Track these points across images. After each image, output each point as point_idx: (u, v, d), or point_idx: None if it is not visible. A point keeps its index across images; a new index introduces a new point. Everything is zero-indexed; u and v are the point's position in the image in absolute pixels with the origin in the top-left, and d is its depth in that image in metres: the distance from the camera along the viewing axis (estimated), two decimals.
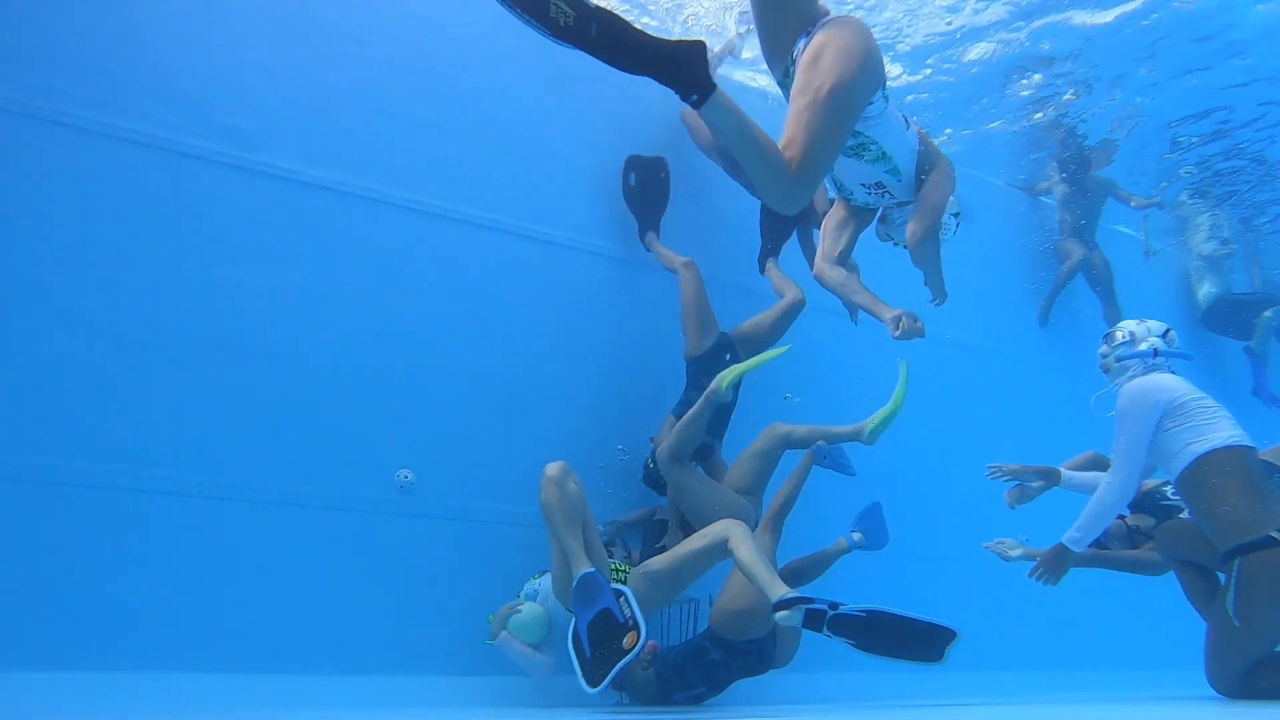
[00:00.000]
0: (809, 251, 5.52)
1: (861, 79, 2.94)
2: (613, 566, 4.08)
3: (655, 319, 5.43)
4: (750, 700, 4.59)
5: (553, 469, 3.90)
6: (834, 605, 3.39)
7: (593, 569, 3.73)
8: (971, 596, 5.45)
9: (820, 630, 3.40)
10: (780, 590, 3.45)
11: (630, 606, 3.59)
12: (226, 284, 4.32)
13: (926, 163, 3.68)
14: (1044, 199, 8.55)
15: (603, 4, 2.29)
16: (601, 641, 3.57)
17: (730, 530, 3.80)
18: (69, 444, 3.89)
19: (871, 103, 3.22)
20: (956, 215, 3.89)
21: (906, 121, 3.61)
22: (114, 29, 4.26)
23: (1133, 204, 8.75)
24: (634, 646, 3.47)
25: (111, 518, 3.90)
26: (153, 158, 4.25)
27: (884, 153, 3.55)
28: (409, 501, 4.58)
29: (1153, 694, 5.39)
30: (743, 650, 4.13)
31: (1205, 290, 9.24)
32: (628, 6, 6.45)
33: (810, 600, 3.38)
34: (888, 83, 3.34)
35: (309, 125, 4.67)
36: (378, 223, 4.75)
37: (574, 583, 3.71)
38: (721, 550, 3.81)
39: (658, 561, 4.05)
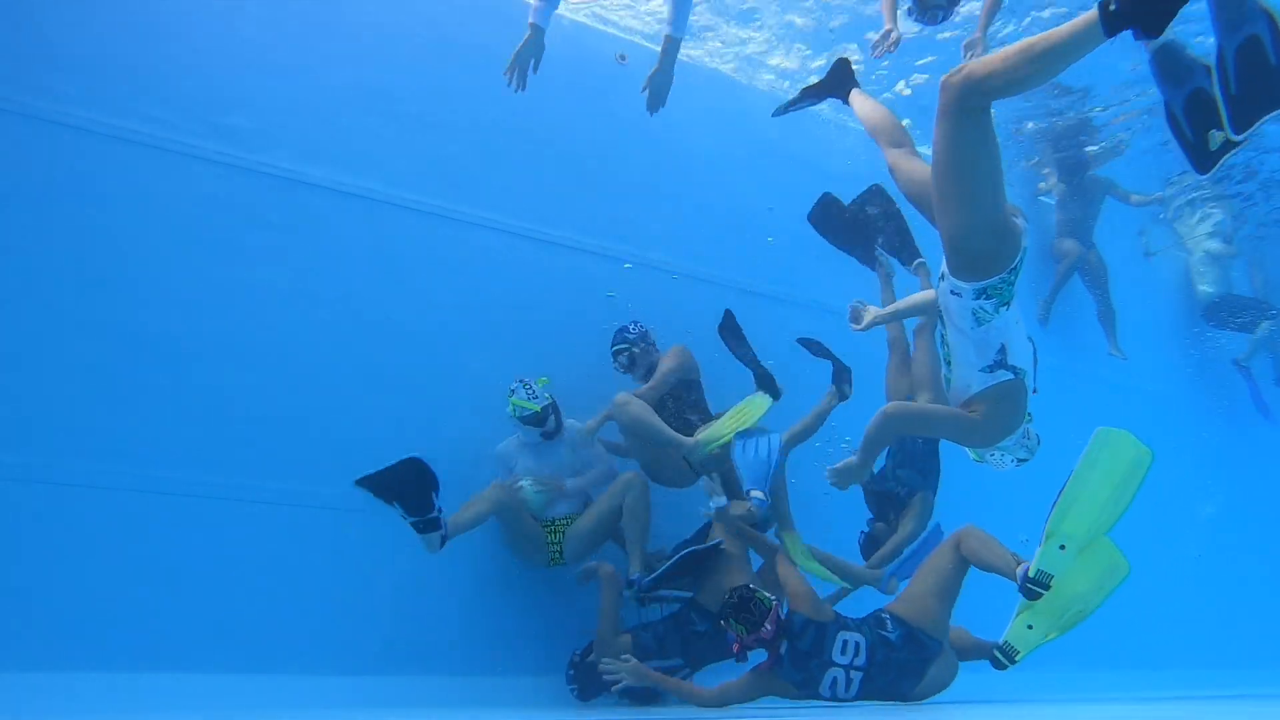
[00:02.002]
0: None
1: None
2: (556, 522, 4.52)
3: (657, 320, 5.42)
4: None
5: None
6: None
7: None
8: (973, 595, 5.44)
9: None
10: None
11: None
12: (226, 284, 4.32)
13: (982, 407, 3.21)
14: (1043, 199, 8.56)
15: None
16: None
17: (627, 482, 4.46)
18: (69, 444, 3.89)
19: (959, 295, 2.99)
20: (1022, 461, 3.58)
21: (994, 368, 3.16)
22: (114, 29, 4.26)
23: (1133, 201, 8.75)
24: None
25: (111, 518, 3.90)
26: (153, 158, 4.25)
27: (949, 359, 3.29)
28: None
29: (1155, 694, 5.39)
30: None
31: (1207, 287, 9.24)
32: None
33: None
34: (1007, 307, 3.04)
35: (309, 125, 4.67)
36: (378, 223, 4.76)
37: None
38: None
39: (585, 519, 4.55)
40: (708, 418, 4.79)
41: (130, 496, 3.95)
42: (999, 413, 3.22)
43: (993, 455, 3.55)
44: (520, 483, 4.53)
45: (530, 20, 4.12)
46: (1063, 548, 3.86)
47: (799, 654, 3.91)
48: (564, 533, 4.53)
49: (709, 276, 5.55)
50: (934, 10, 4.11)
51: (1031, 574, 3.82)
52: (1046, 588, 3.82)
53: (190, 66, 4.41)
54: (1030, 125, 7.93)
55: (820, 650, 3.93)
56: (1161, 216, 9.34)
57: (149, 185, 4.23)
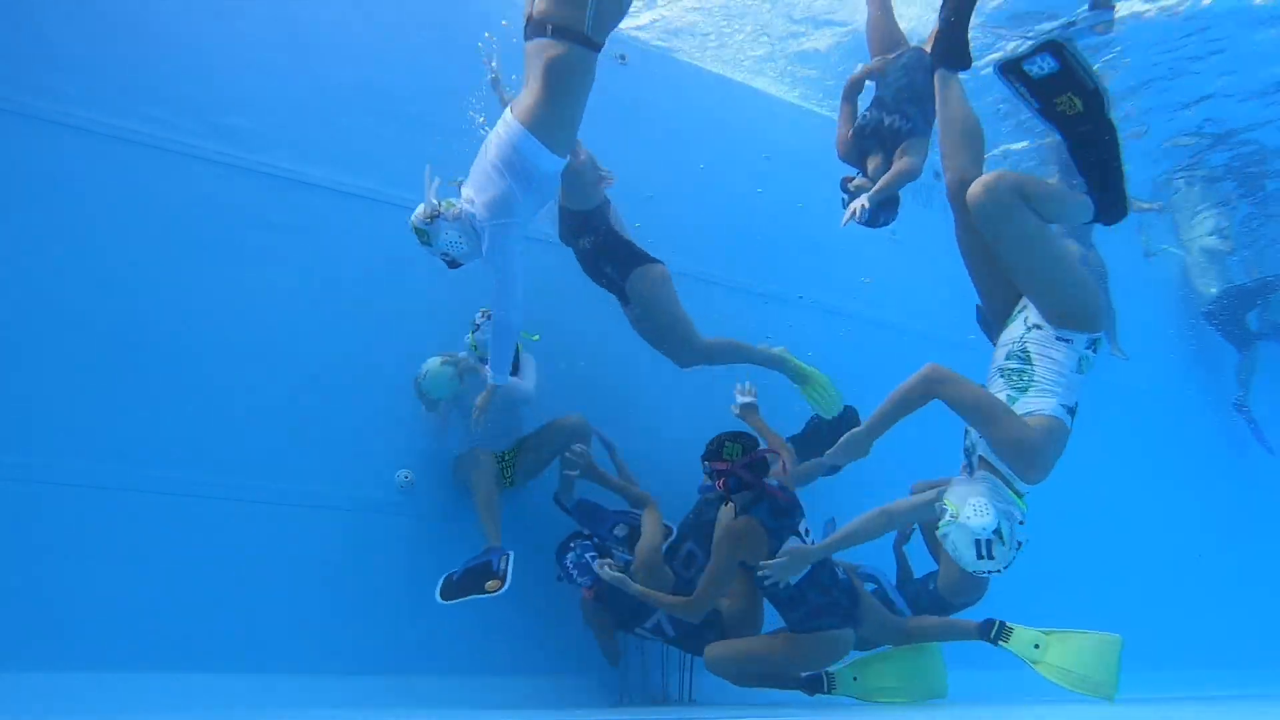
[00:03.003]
0: None
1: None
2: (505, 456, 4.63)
3: None
4: (750, 700, 4.59)
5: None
6: None
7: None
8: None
9: None
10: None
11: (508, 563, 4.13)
12: (226, 284, 4.32)
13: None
14: None
15: None
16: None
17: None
18: (69, 444, 3.89)
19: (1070, 341, 3.08)
20: (998, 570, 3.24)
21: (1071, 412, 3.13)
22: (114, 29, 4.26)
23: (1132, 205, 8.75)
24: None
25: (111, 518, 3.90)
26: (153, 158, 4.25)
27: (1028, 381, 3.12)
28: (409, 501, 4.58)
29: (1155, 694, 5.38)
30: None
31: (1207, 285, 9.23)
32: None
33: None
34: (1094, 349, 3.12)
35: (309, 125, 4.67)
36: (378, 223, 4.75)
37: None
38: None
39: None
40: (637, 255, 4.77)
41: (130, 496, 3.95)
42: (1050, 439, 3.09)
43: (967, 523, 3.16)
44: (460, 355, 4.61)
45: (490, 383, 4.30)
46: (1037, 646, 4.09)
47: (778, 507, 3.93)
48: (514, 465, 4.64)
49: (710, 277, 5.54)
50: (883, 225, 4.75)
51: (1004, 623, 4.10)
52: (995, 642, 4.14)
53: (190, 66, 4.41)
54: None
55: (791, 514, 3.97)
56: (1160, 219, 9.36)
57: (149, 185, 4.23)
